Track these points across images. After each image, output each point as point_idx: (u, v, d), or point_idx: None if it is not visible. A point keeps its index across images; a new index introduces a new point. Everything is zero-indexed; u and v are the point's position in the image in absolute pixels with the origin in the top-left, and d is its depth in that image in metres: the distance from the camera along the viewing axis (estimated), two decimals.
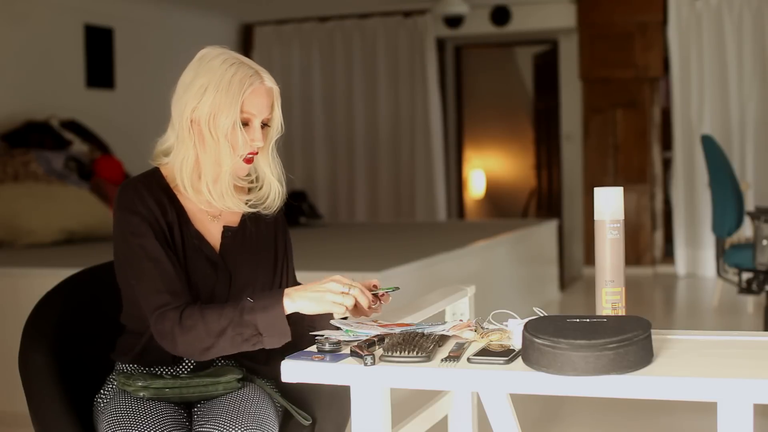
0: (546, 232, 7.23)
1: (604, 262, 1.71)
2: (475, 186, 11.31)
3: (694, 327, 5.67)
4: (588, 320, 1.52)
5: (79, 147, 6.68)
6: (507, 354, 1.52)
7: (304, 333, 1.86)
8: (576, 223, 8.98)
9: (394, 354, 1.54)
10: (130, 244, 1.89)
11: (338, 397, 2.04)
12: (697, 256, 8.18)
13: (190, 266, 1.94)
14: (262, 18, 9.48)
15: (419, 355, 1.53)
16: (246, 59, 1.95)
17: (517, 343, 1.57)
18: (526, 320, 1.57)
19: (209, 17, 8.94)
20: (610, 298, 1.71)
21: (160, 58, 7.99)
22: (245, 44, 9.59)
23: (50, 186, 6.00)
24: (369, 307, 1.82)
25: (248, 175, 2.04)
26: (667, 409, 3.86)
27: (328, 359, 1.57)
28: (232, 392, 1.93)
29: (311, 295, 1.78)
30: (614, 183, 8.33)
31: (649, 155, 8.51)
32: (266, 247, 2.06)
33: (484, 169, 11.34)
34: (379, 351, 1.59)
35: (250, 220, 2.05)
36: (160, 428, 1.82)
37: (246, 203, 2.02)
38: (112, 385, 2.00)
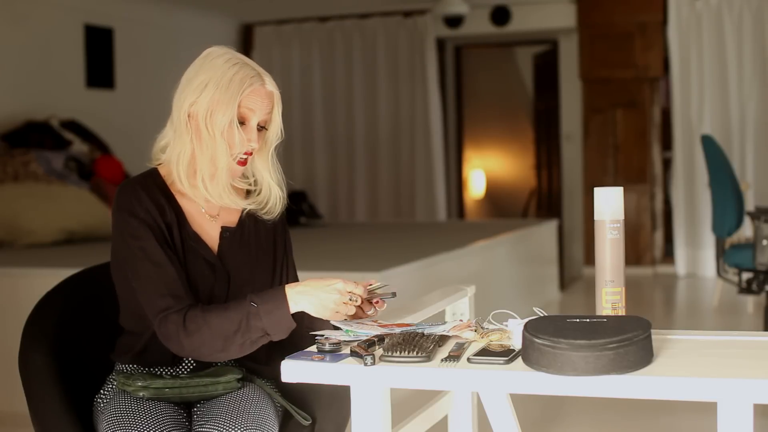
0: (546, 232, 7.23)
1: (604, 262, 1.71)
2: (475, 186, 11.31)
3: (694, 327, 5.67)
4: (588, 320, 1.52)
5: (79, 147, 6.68)
6: (507, 354, 1.52)
7: (304, 333, 1.86)
8: (576, 223, 8.98)
9: (394, 354, 1.54)
10: (130, 246, 1.89)
11: (338, 397, 2.03)
12: (697, 256, 8.18)
13: (189, 267, 1.94)
14: (262, 18, 9.49)
15: (419, 355, 1.53)
16: (250, 61, 1.96)
17: (517, 343, 1.57)
18: (526, 320, 1.57)
19: (209, 17, 8.94)
20: (610, 298, 1.71)
21: (160, 58, 7.99)
22: (245, 44, 9.59)
23: (50, 186, 6.00)
24: (363, 311, 1.84)
25: (246, 177, 2.04)
26: (667, 409, 3.86)
27: (328, 359, 1.57)
28: (231, 392, 1.93)
29: (314, 300, 1.79)
30: (614, 183, 8.33)
31: (649, 155, 8.51)
32: (265, 246, 2.06)
33: (484, 169, 11.34)
34: (379, 351, 1.59)
35: (249, 220, 2.05)
36: (159, 428, 1.82)
37: (246, 207, 2.02)
38: (112, 385, 1.99)
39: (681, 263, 8.21)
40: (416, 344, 1.56)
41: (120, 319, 2.03)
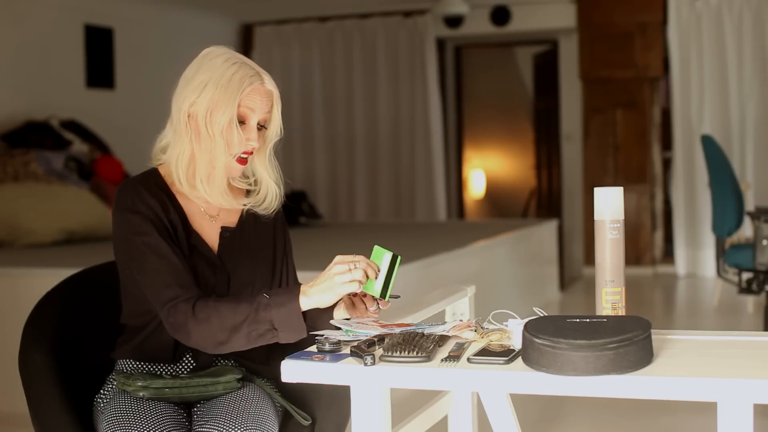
0: (546, 232, 7.23)
1: (604, 262, 1.71)
2: (475, 186, 11.31)
3: (694, 327, 5.67)
4: (588, 320, 1.52)
5: (79, 147, 6.68)
6: (507, 354, 1.52)
7: None
8: (576, 223, 8.98)
9: (394, 354, 1.54)
10: (134, 243, 1.89)
11: (338, 397, 2.03)
12: (697, 256, 8.18)
13: (190, 266, 1.94)
14: (262, 18, 9.49)
15: (419, 355, 1.53)
16: (249, 61, 1.96)
17: (517, 343, 1.57)
18: (526, 320, 1.57)
19: (209, 17, 8.94)
20: (610, 298, 1.71)
21: (159, 58, 7.99)
22: (245, 44, 9.59)
23: (50, 186, 6.00)
24: (366, 309, 1.84)
25: (246, 177, 2.04)
26: (667, 409, 3.86)
27: (328, 359, 1.57)
28: (231, 392, 1.93)
29: (323, 286, 1.78)
30: (614, 183, 8.33)
31: (649, 155, 8.51)
32: (265, 246, 2.06)
33: (484, 169, 11.34)
34: (379, 351, 1.59)
35: (249, 220, 2.05)
36: (159, 428, 1.82)
37: (243, 205, 2.02)
38: (112, 385, 1.99)
39: (681, 263, 8.21)
40: (416, 344, 1.56)
41: (121, 317, 2.03)
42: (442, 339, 1.66)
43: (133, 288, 1.95)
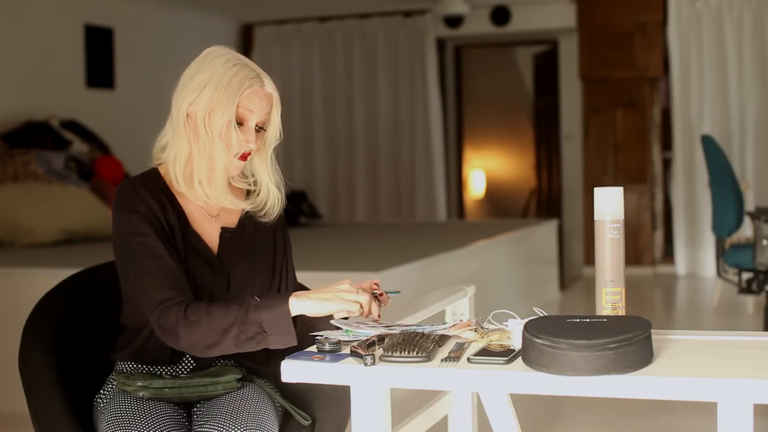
0: (546, 232, 7.23)
1: (604, 262, 1.71)
2: (475, 186, 11.31)
3: (694, 327, 5.67)
4: (588, 320, 1.52)
5: (79, 147, 6.68)
6: (507, 354, 1.52)
7: (304, 333, 1.86)
8: (576, 223, 8.98)
9: (394, 354, 1.54)
10: (131, 242, 1.89)
11: (338, 397, 2.03)
12: (697, 256, 8.18)
13: (189, 267, 1.94)
14: (262, 18, 9.49)
15: (419, 355, 1.53)
16: (249, 62, 1.96)
17: (517, 343, 1.57)
18: (526, 320, 1.57)
19: (209, 17, 8.94)
20: (610, 298, 1.71)
21: (160, 58, 7.99)
22: (245, 44, 9.59)
23: (50, 186, 6.00)
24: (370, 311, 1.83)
25: (246, 177, 2.04)
26: (667, 409, 3.86)
27: (328, 359, 1.57)
28: (231, 392, 1.93)
29: (325, 295, 1.78)
30: (614, 183, 8.33)
31: (649, 155, 8.51)
32: (265, 247, 2.05)
33: (484, 169, 11.34)
34: (379, 351, 1.59)
35: (249, 220, 2.05)
36: (159, 428, 1.82)
37: (245, 210, 2.02)
38: (112, 385, 1.99)
39: (681, 263, 8.21)
40: (416, 344, 1.56)
41: (122, 317, 2.03)
42: (442, 339, 1.66)
43: (130, 288, 1.95)
